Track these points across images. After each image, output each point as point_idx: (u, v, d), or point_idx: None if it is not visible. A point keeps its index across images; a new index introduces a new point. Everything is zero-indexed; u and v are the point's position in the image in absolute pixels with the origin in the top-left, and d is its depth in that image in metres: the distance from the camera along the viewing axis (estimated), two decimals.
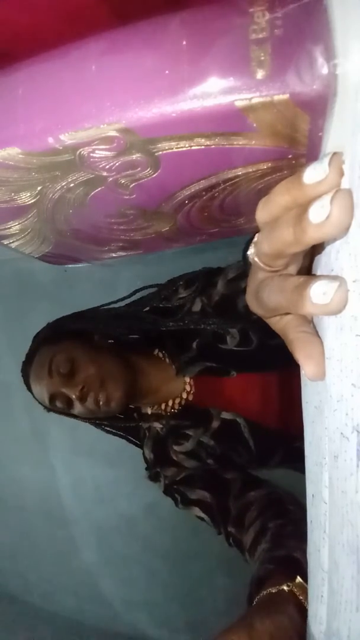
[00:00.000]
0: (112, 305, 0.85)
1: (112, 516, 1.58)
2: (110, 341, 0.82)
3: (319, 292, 0.24)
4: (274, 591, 0.47)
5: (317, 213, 0.23)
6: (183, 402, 0.81)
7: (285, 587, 0.46)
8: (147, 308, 0.82)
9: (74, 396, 0.74)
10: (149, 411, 0.83)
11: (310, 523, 0.33)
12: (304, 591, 0.45)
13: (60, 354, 0.76)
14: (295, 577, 0.47)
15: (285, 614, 0.43)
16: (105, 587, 1.61)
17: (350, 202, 0.23)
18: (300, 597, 0.45)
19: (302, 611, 0.43)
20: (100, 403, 0.74)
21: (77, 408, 0.76)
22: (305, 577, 0.46)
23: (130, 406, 0.84)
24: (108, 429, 0.86)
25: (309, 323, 0.29)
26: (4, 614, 1.70)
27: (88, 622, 1.63)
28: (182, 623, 1.48)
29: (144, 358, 0.82)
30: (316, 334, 0.28)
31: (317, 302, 0.24)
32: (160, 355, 0.82)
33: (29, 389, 0.80)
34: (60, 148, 0.24)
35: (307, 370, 0.27)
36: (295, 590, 0.46)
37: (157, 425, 0.81)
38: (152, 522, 1.48)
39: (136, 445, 0.87)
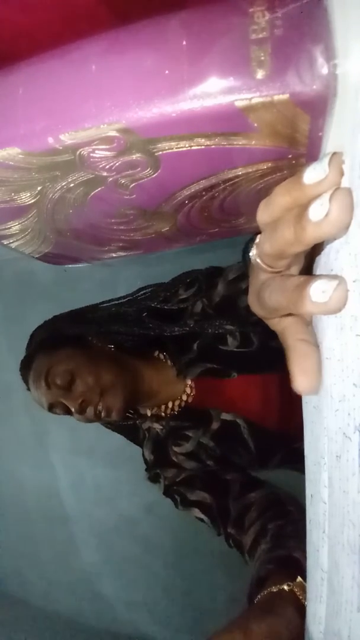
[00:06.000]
0: (113, 302, 0.84)
1: (112, 516, 1.59)
2: (110, 346, 0.81)
3: (318, 291, 0.24)
4: (274, 590, 0.47)
5: (317, 211, 0.23)
6: (183, 403, 0.81)
7: (285, 587, 0.47)
8: (146, 313, 0.80)
9: (73, 409, 0.74)
10: (148, 413, 0.83)
11: (309, 523, 0.33)
12: (305, 591, 0.45)
13: (58, 365, 0.75)
14: (296, 577, 0.47)
15: (283, 615, 0.43)
16: (105, 587, 1.61)
17: (349, 200, 0.23)
18: (301, 597, 0.45)
19: (303, 611, 0.43)
20: (102, 415, 0.74)
21: (77, 417, 0.75)
22: (305, 577, 0.46)
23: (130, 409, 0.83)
24: (107, 426, 0.86)
25: (309, 328, 0.29)
26: (4, 614, 1.70)
27: (88, 622, 1.63)
28: (182, 623, 1.48)
29: (145, 361, 0.81)
30: (314, 343, 0.28)
31: (316, 301, 0.24)
32: (161, 357, 0.82)
33: (28, 389, 0.80)
34: (60, 148, 0.24)
35: (298, 385, 0.27)
36: (296, 589, 0.46)
37: (157, 427, 0.81)
38: (152, 522, 1.48)
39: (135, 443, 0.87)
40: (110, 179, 0.27)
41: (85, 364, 0.75)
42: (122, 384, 0.76)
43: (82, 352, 0.78)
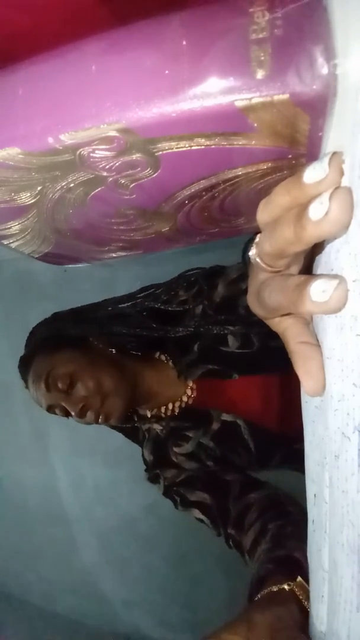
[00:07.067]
0: (114, 301, 0.84)
1: (112, 516, 1.59)
2: (111, 349, 0.80)
3: (318, 290, 0.24)
4: (275, 589, 0.47)
5: (317, 210, 0.23)
6: (183, 404, 0.81)
7: (286, 586, 0.46)
8: (148, 314, 0.80)
9: (73, 413, 0.74)
10: (148, 414, 0.83)
11: (311, 523, 0.33)
12: (305, 591, 0.45)
13: (59, 368, 0.74)
14: (296, 577, 0.47)
15: (285, 607, 0.43)
16: (105, 587, 1.61)
17: (349, 199, 0.23)
18: (301, 597, 0.45)
19: (303, 611, 0.43)
20: (100, 419, 0.74)
21: (76, 420, 0.75)
22: (305, 578, 0.46)
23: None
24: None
25: (309, 329, 0.29)
26: (4, 614, 1.70)
27: (88, 622, 1.63)
28: (182, 623, 1.48)
29: (146, 362, 0.81)
30: (315, 344, 0.28)
31: (316, 300, 0.24)
32: (163, 358, 0.82)
33: (27, 387, 0.80)
34: (60, 148, 0.24)
35: (306, 386, 0.28)
36: (296, 589, 0.46)
37: (157, 427, 0.81)
38: (152, 522, 1.48)
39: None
40: (110, 179, 0.27)
41: (86, 367, 0.75)
42: (123, 388, 0.75)
43: (83, 354, 0.77)
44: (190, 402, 0.81)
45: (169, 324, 0.78)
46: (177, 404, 0.81)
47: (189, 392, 0.81)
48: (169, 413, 0.81)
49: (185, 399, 0.81)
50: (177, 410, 0.81)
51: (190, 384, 0.80)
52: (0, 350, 1.46)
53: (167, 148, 0.24)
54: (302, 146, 0.24)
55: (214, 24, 0.22)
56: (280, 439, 0.77)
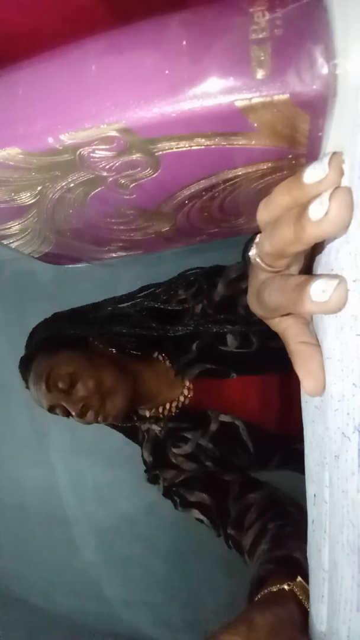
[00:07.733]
0: (114, 301, 0.84)
1: (112, 516, 1.59)
2: (110, 349, 0.81)
3: (318, 290, 0.24)
4: (274, 590, 0.47)
5: (316, 210, 0.23)
6: (180, 404, 0.81)
7: (285, 587, 0.46)
8: (148, 313, 0.80)
9: (73, 412, 0.74)
10: (147, 414, 0.83)
11: (311, 523, 0.33)
12: (305, 591, 0.45)
13: (59, 368, 0.75)
14: (296, 577, 0.47)
15: (285, 607, 0.43)
16: (105, 587, 1.61)
17: (349, 199, 0.23)
18: (301, 597, 0.45)
19: (303, 611, 0.43)
20: (100, 419, 0.75)
21: (77, 419, 0.76)
22: (305, 578, 0.46)
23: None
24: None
25: (309, 329, 0.29)
26: (4, 614, 1.70)
27: (88, 622, 1.63)
28: (182, 623, 1.48)
29: (144, 362, 0.81)
30: (316, 343, 0.28)
31: (316, 300, 0.24)
32: (160, 357, 0.82)
33: (27, 387, 0.80)
34: (60, 148, 0.24)
35: (306, 386, 0.28)
36: (296, 589, 0.46)
37: (156, 428, 0.81)
38: (152, 522, 1.48)
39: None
40: (110, 179, 0.27)
41: (86, 367, 0.75)
42: (123, 388, 0.76)
43: (83, 354, 0.77)
44: (187, 402, 0.81)
45: (168, 323, 0.78)
46: (174, 404, 0.81)
47: (185, 392, 0.81)
48: (166, 413, 0.81)
49: (182, 398, 0.81)
50: (174, 411, 0.81)
51: (187, 383, 0.80)
52: (0, 350, 1.46)
53: (167, 148, 0.24)
54: (302, 146, 0.24)
55: (214, 24, 0.22)
56: (280, 440, 0.77)
